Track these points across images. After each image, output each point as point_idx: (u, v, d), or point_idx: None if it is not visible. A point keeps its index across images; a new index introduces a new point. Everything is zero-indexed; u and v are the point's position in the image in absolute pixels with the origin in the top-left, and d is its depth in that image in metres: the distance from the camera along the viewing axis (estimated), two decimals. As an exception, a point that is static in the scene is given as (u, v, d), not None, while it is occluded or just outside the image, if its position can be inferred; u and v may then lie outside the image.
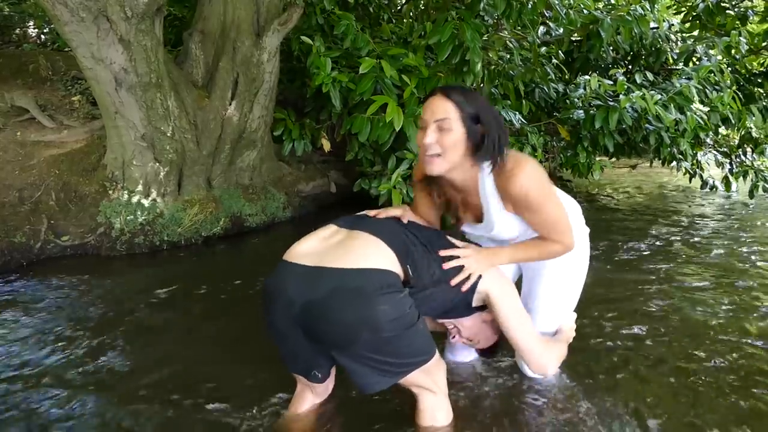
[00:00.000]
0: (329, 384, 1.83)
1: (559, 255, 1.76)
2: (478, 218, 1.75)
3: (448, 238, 1.74)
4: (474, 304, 1.71)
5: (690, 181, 6.11)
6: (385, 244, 1.54)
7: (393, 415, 1.85)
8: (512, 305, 1.71)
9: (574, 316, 2.07)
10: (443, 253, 1.64)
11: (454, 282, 1.62)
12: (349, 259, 1.49)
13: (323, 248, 1.56)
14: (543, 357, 1.79)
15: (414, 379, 1.59)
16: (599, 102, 4.92)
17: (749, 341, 2.48)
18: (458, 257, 1.65)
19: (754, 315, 2.79)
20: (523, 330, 1.73)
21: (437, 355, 1.63)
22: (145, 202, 3.85)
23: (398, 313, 1.46)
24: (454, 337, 1.90)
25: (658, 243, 4.24)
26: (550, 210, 1.65)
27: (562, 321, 2.00)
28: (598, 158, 5.35)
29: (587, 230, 2.05)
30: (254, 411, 1.88)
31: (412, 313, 1.51)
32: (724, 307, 2.89)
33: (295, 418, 1.79)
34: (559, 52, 5.58)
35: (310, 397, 1.80)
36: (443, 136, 1.55)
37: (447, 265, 1.62)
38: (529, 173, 1.58)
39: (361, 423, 1.84)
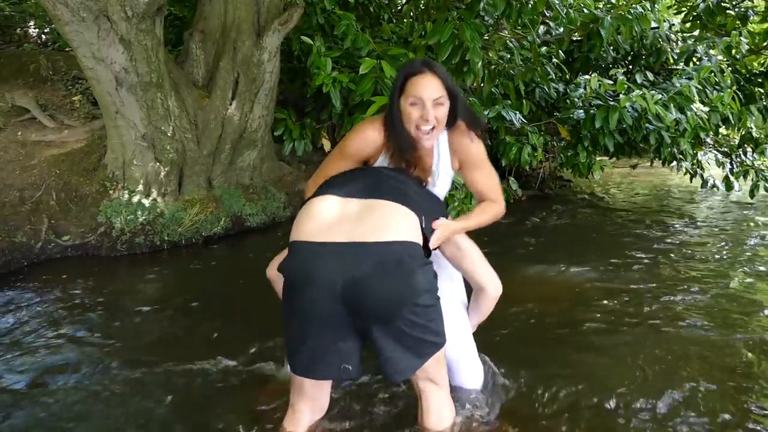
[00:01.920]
0: (328, 398, 1.75)
1: (500, 216, 1.91)
2: (424, 178, 1.90)
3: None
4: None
5: (690, 181, 6.11)
6: (405, 207, 1.58)
7: (395, 424, 1.84)
8: (472, 244, 1.84)
9: None
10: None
11: (432, 242, 1.67)
12: (385, 230, 1.50)
13: (345, 222, 1.54)
14: (494, 276, 1.87)
15: (428, 367, 1.60)
16: (599, 102, 4.92)
17: (748, 346, 2.48)
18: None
19: (754, 317, 2.79)
20: (480, 259, 1.85)
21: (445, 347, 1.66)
22: (146, 202, 3.86)
23: (431, 284, 1.54)
24: None
25: (657, 242, 4.24)
26: (490, 167, 1.91)
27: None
28: (598, 158, 5.35)
29: None
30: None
31: (436, 285, 1.58)
32: (723, 308, 2.89)
33: None
34: (560, 51, 5.58)
35: (308, 416, 1.70)
36: (438, 111, 1.72)
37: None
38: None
39: (362, 425, 1.83)
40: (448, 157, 1.87)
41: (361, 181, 1.69)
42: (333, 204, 1.60)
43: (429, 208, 1.69)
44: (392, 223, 1.53)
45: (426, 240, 1.61)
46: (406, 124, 1.74)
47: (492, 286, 1.87)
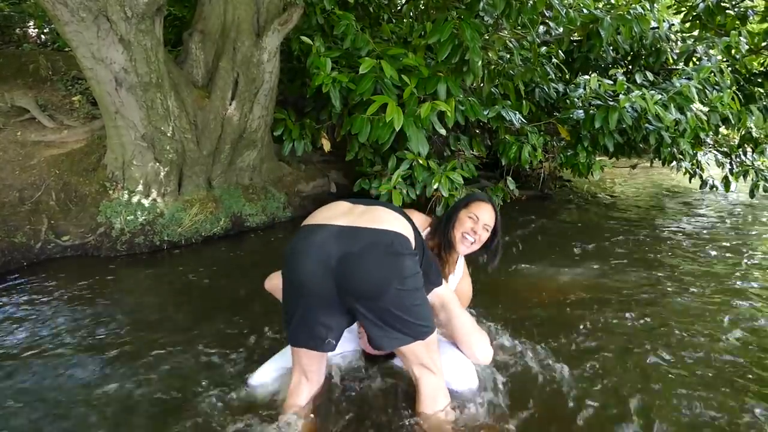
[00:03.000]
0: (323, 372, 1.91)
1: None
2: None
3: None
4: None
5: (690, 181, 6.11)
6: (403, 218, 1.78)
7: (390, 401, 1.90)
8: (457, 303, 2.04)
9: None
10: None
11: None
12: (379, 222, 1.70)
13: (349, 215, 1.73)
14: (481, 341, 2.04)
15: (418, 353, 1.74)
16: (599, 102, 4.92)
17: (747, 346, 2.48)
18: None
19: (755, 317, 2.79)
20: (465, 318, 2.04)
21: (436, 333, 1.78)
22: (146, 202, 3.86)
23: (416, 271, 1.70)
24: None
25: (657, 242, 4.24)
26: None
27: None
28: (598, 158, 5.35)
29: None
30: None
31: (421, 274, 1.74)
32: (724, 307, 2.89)
33: (296, 409, 1.82)
34: (559, 51, 5.58)
35: (306, 388, 1.85)
36: (483, 234, 2.18)
37: None
38: None
39: (361, 409, 1.87)
40: (460, 270, 2.31)
41: (372, 201, 1.94)
42: (343, 205, 1.83)
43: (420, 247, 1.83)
44: (388, 219, 1.73)
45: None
46: (456, 230, 2.17)
47: (480, 356, 2.03)
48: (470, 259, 2.36)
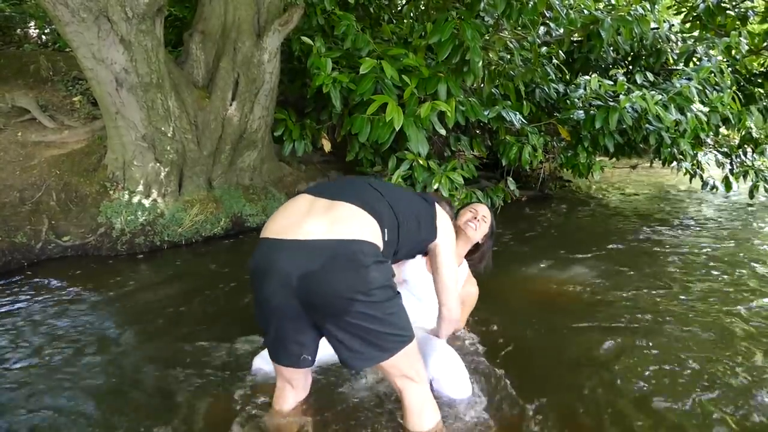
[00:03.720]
0: (308, 379, 1.87)
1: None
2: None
3: (411, 192, 2.05)
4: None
5: (690, 182, 6.11)
6: (368, 213, 1.62)
7: (377, 409, 1.88)
8: (448, 258, 1.98)
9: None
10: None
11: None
12: (339, 230, 1.55)
13: (307, 220, 1.58)
14: (455, 300, 2.07)
15: (399, 364, 1.63)
16: (599, 102, 4.92)
17: (748, 348, 2.48)
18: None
19: (756, 316, 2.79)
20: (451, 272, 2.00)
21: (416, 341, 1.68)
22: (146, 203, 3.86)
23: (386, 280, 1.58)
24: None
25: (657, 243, 4.24)
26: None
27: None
28: (598, 158, 5.36)
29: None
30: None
31: (393, 282, 1.63)
32: (724, 306, 2.89)
33: (282, 416, 1.81)
34: (560, 52, 5.58)
35: (291, 394, 1.83)
36: (482, 224, 2.39)
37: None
38: None
39: (347, 417, 1.86)
40: (463, 278, 2.45)
41: (341, 186, 1.80)
42: (303, 203, 1.67)
43: (395, 226, 1.72)
44: (350, 223, 1.58)
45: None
46: (459, 220, 2.37)
47: (447, 314, 2.07)
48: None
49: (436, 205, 1.97)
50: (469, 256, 2.47)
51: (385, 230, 1.65)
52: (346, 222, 1.57)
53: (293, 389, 1.83)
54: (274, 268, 1.54)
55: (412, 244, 1.86)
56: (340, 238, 1.53)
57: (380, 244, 1.62)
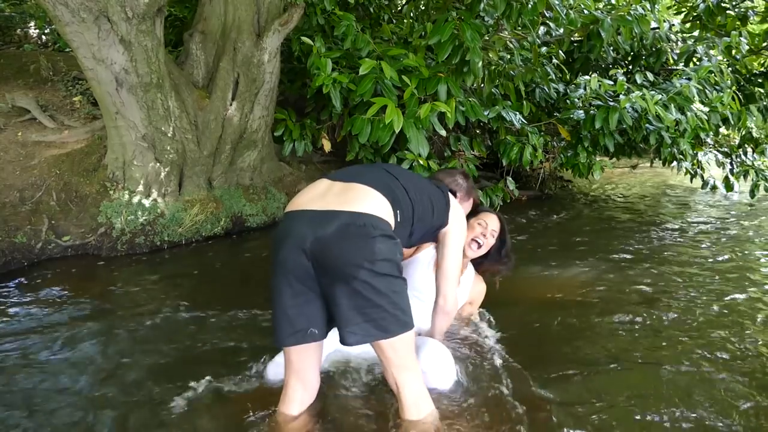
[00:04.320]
0: (317, 379, 1.86)
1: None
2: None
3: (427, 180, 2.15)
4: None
5: (691, 181, 6.11)
6: (381, 194, 1.76)
7: (383, 412, 1.88)
8: (455, 247, 2.08)
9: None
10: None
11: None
12: (353, 204, 1.69)
13: (326, 198, 1.74)
14: (452, 291, 2.12)
15: (398, 349, 1.69)
16: (599, 102, 4.92)
17: (748, 346, 2.48)
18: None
19: (757, 314, 2.79)
20: (454, 262, 2.09)
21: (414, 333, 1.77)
22: (146, 202, 3.86)
23: (392, 255, 1.67)
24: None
25: (657, 243, 4.24)
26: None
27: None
28: (598, 158, 5.35)
29: None
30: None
31: (400, 262, 1.73)
32: (722, 310, 2.89)
33: (290, 420, 1.79)
34: (560, 52, 5.58)
35: (299, 396, 1.82)
36: (489, 239, 2.41)
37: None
38: None
39: (355, 420, 1.86)
40: (468, 285, 2.52)
41: (357, 170, 1.93)
42: (322, 185, 1.82)
43: (409, 207, 1.86)
44: (363, 200, 1.72)
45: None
46: (467, 235, 2.27)
47: (442, 302, 2.13)
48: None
49: (450, 196, 2.12)
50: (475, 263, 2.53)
51: (398, 211, 1.78)
52: (360, 200, 1.71)
53: (302, 388, 1.81)
54: (292, 232, 1.69)
55: (426, 228, 1.97)
56: (353, 210, 1.67)
57: (392, 222, 1.74)
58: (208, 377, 2.12)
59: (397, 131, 3.82)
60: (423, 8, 5.51)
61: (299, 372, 1.80)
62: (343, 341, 1.67)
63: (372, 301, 1.62)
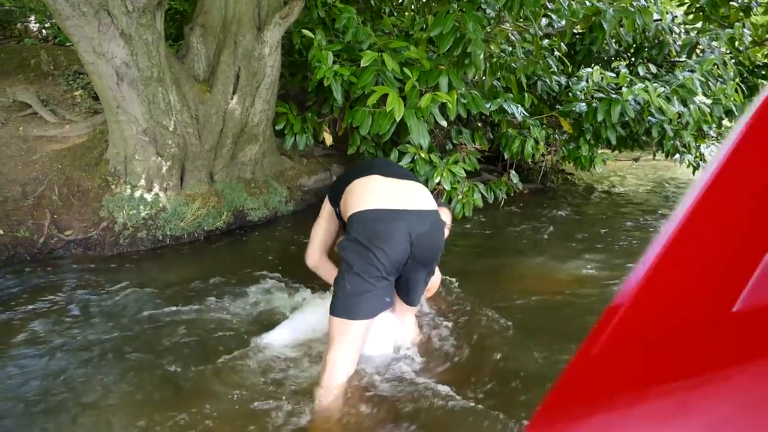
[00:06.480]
0: (362, 347, 2.17)
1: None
2: None
3: None
4: None
5: (693, 174, 6.09)
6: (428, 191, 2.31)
7: (390, 408, 1.88)
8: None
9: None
10: None
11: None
12: (427, 203, 2.19)
13: (399, 195, 2.17)
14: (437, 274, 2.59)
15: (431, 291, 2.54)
16: (602, 94, 4.90)
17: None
18: None
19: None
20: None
21: None
22: (148, 197, 3.86)
23: None
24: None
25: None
26: None
27: None
28: (600, 151, 5.34)
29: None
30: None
31: None
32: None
33: (333, 396, 1.96)
34: (562, 44, 5.56)
35: (347, 368, 2.03)
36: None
37: None
38: None
39: (357, 419, 1.86)
40: None
41: (389, 166, 2.40)
42: (381, 182, 2.24)
43: None
44: (429, 198, 2.25)
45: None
46: None
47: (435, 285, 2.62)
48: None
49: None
50: None
51: None
52: (428, 198, 2.23)
53: (351, 362, 2.03)
54: (397, 227, 2.04)
55: None
56: (431, 209, 2.18)
57: None
58: (221, 369, 2.13)
59: (398, 119, 3.81)
60: (424, 0, 5.48)
61: (355, 344, 2.04)
62: (413, 303, 2.27)
63: (428, 278, 2.25)
